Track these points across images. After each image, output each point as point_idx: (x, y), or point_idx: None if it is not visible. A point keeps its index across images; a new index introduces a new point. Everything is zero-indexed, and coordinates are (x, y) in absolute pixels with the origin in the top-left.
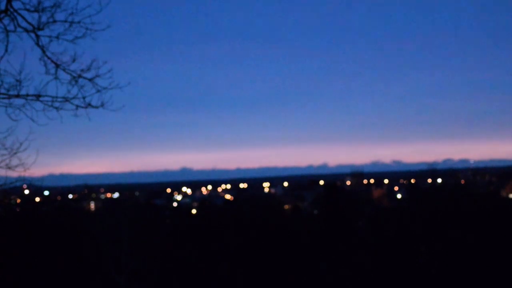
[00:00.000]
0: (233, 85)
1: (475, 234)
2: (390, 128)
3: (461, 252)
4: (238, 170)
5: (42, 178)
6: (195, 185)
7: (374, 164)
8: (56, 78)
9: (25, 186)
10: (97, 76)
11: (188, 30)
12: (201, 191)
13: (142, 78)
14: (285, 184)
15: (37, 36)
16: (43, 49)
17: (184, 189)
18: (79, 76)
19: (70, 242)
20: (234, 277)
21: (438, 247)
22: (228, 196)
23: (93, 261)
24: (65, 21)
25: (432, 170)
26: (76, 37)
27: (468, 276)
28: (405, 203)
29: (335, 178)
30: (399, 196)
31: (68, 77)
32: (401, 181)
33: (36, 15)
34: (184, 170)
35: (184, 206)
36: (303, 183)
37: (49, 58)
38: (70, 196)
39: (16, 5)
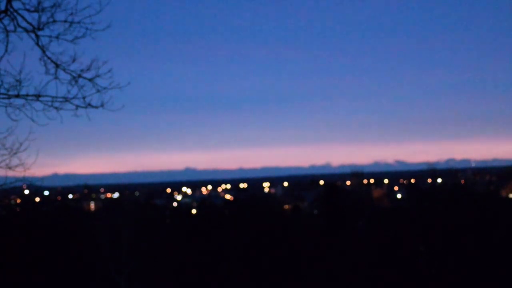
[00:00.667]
0: (235, 85)
1: (475, 234)
2: (393, 128)
3: (461, 252)
4: (241, 170)
5: (42, 178)
6: (200, 185)
7: (377, 164)
8: (56, 78)
9: (25, 186)
10: (97, 76)
11: (189, 30)
12: (201, 191)
13: (142, 78)
14: (285, 184)
15: (37, 36)
16: (43, 49)
17: (184, 189)
18: (79, 76)
19: (70, 242)
20: (234, 277)
21: (438, 247)
22: (228, 196)
23: (93, 261)
24: (65, 21)
25: (432, 170)
26: (76, 37)
27: (468, 276)
28: (405, 203)
29: (338, 178)
30: (399, 196)
31: (68, 77)
32: (401, 181)
33: (36, 15)
34: (187, 170)
35: (184, 206)
36: (303, 183)
37: (49, 58)
38: (70, 196)
39: (16, 5)
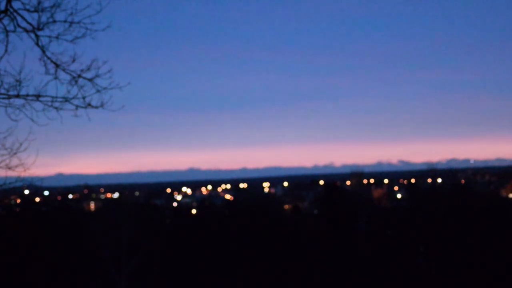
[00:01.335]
0: (237, 85)
1: (474, 233)
2: (396, 128)
3: (461, 252)
4: (244, 170)
5: (42, 178)
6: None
7: (380, 164)
8: (56, 78)
9: (25, 186)
10: (97, 76)
11: (189, 29)
12: (201, 191)
13: (142, 78)
14: (285, 184)
15: (37, 36)
16: (43, 49)
17: (184, 189)
18: (79, 76)
19: (70, 242)
20: (234, 277)
21: (437, 247)
22: (228, 196)
23: (93, 261)
24: (65, 21)
25: (432, 170)
26: (76, 37)
27: (468, 276)
28: (405, 203)
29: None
30: (399, 196)
31: (68, 77)
32: (401, 180)
33: (36, 15)
34: (191, 171)
35: (184, 206)
36: (303, 183)
37: (49, 58)
38: (70, 196)
39: (16, 5)
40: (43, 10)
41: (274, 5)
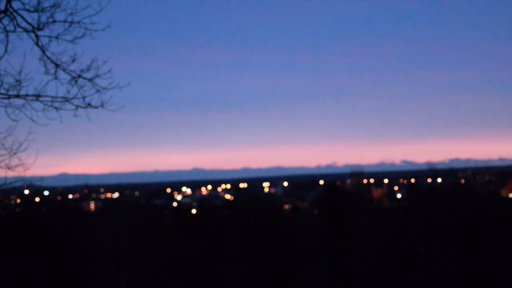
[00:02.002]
0: (239, 86)
1: (474, 234)
2: (399, 128)
3: (461, 252)
4: (247, 170)
5: (42, 178)
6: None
7: (383, 164)
8: (55, 78)
9: (25, 186)
10: (97, 76)
11: (189, 29)
12: (201, 191)
13: (142, 78)
14: (285, 184)
15: (37, 36)
16: (42, 49)
17: (184, 189)
18: (79, 76)
19: (70, 242)
20: (234, 277)
21: (437, 247)
22: (228, 196)
23: (93, 261)
24: (65, 21)
25: (432, 170)
26: (76, 37)
27: (468, 276)
28: (405, 203)
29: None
30: (399, 196)
31: (68, 77)
32: (401, 180)
33: (35, 15)
34: (195, 170)
35: (184, 206)
36: (303, 183)
37: (48, 58)
38: (70, 196)
39: (15, 5)
40: (43, 10)
41: (274, 6)
